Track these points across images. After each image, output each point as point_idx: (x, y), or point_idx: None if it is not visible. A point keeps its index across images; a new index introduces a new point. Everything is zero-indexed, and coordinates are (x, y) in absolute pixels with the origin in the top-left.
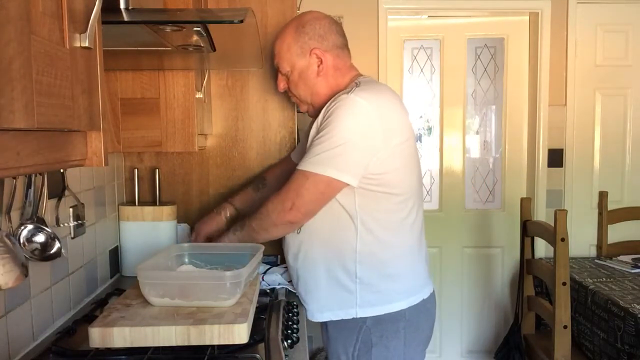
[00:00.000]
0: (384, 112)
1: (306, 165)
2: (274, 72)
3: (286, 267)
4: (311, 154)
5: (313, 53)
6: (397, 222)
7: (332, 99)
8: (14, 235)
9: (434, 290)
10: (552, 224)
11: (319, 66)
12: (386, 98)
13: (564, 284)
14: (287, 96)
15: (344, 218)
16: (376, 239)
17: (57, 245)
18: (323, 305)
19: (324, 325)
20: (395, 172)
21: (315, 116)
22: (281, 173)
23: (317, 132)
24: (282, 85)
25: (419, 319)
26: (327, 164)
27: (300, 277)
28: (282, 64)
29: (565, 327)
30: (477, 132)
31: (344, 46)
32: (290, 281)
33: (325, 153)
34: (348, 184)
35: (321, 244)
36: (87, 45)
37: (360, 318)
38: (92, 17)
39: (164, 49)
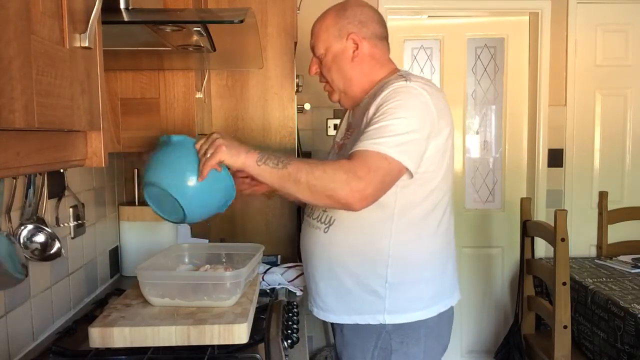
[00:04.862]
0: (439, 106)
1: (387, 149)
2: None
3: (286, 267)
4: (381, 135)
5: (350, 38)
6: (432, 225)
7: (386, 85)
8: (14, 235)
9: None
10: (552, 224)
11: (354, 52)
12: (438, 92)
13: (564, 284)
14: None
15: (379, 220)
16: (411, 242)
17: (57, 245)
18: (351, 309)
19: (339, 327)
20: (438, 172)
21: (348, 107)
22: None
23: (375, 115)
24: (314, 68)
25: (440, 327)
26: (402, 149)
27: (325, 277)
28: (317, 45)
29: (565, 327)
30: (477, 132)
31: (384, 38)
32: (290, 281)
33: (400, 137)
34: (409, 171)
35: (349, 246)
36: (87, 45)
37: (382, 324)
38: (92, 17)
39: (164, 49)
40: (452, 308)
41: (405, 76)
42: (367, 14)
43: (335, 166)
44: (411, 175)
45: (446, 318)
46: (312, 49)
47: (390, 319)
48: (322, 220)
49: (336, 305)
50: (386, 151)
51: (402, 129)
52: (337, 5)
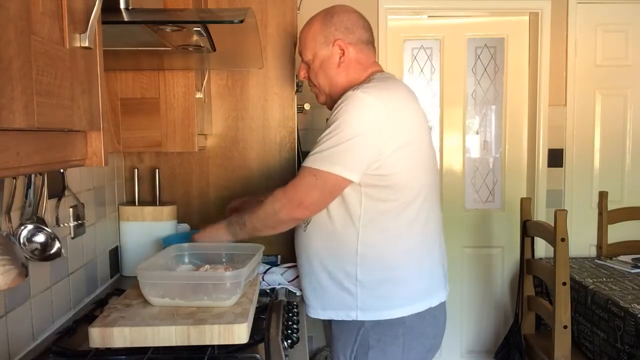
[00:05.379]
0: (392, 109)
1: (314, 162)
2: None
3: (286, 267)
4: (318, 150)
5: (336, 44)
6: (404, 226)
7: (343, 95)
8: (14, 235)
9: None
10: (552, 224)
11: (340, 57)
12: (397, 95)
13: (564, 284)
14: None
15: (346, 220)
16: (380, 242)
17: (57, 245)
18: (326, 304)
19: (328, 322)
20: (404, 173)
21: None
22: None
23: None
24: (302, 73)
25: (422, 327)
26: (335, 161)
27: (306, 274)
28: (305, 51)
29: (565, 327)
30: (477, 132)
31: (370, 42)
32: (290, 281)
33: (333, 149)
34: (352, 181)
35: (323, 244)
36: (87, 45)
37: (360, 320)
38: (92, 17)
39: (164, 49)
40: (437, 308)
41: (367, 82)
42: (353, 20)
43: (270, 200)
44: (357, 179)
45: (430, 318)
46: (300, 54)
47: (362, 316)
48: None
49: (314, 300)
50: (318, 166)
51: (337, 140)
52: (324, 12)
